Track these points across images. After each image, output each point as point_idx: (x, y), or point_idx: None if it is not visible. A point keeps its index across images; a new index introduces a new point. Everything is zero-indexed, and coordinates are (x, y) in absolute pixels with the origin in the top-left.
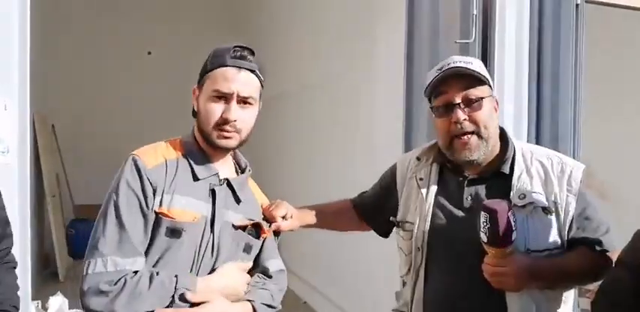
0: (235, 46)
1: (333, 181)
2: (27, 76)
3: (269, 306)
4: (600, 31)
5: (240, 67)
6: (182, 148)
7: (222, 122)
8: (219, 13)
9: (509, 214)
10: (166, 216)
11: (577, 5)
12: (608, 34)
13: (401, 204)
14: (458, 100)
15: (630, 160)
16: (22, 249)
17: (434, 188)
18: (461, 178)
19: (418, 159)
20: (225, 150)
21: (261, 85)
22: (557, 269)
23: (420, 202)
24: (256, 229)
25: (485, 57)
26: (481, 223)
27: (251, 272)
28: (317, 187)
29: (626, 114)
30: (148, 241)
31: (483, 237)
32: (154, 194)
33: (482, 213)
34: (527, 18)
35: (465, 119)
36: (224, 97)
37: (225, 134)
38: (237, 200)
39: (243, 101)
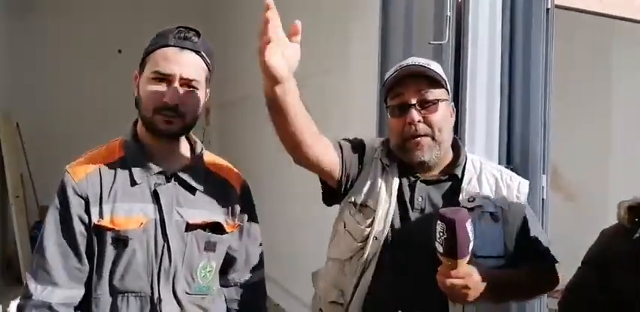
0: (179, 27)
1: (305, 183)
2: None
3: None
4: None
5: (182, 47)
6: (121, 150)
7: (163, 106)
8: (191, 11)
9: (468, 224)
10: (106, 227)
11: (547, 10)
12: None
13: (365, 185)
14: (413, 101)
15: (595, 161)
16: None
17: (397, 182)
18: (413, 178)
19: (383, 144)
20: (169, 137)
21: (209, 69)
22: (512, 283)
23: (389, 189)
24: (216, 226)
25: (459, 58)
26: (437, 233)
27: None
28: (288, 189)
29: (592, 116)
30: (96, 255)
31: (439, 247)
32: (88, 206)
33: (439, 222)
34: (499, 20)
35: (419, 121)
36: (165, 80)
37: (167, 119)
38: (192, 191)
39: (187, 84)
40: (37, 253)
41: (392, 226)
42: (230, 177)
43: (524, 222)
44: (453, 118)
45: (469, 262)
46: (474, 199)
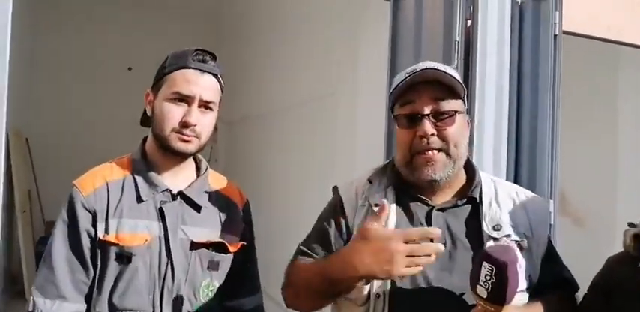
0: (197, 50)
1: (313, 199)
2: (4, 89)
3: None
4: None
5: (202, 70)
6: (129, 167)
7: (183, 126)
8: (201, 29)
9: (519, 266)
10: (111, 243)
11: (555, 36)
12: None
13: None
14: (427, 111)
15: (602, 186)
16: None
17: (393, 219)
18: (426, 207)
19: (370, 182)
20: (182, 156)
21: (221, 91)
22: None
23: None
24: (220, 245)
25: (467, 82)
26: (483, 276)
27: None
28: (296, 204)
29: (598, 140)
30: (99, 270)
31: (482, 292)
32: (95, 221)
33: (486, 264)
34: (507, 46)
35: (432, 134)
36: (184, 100)
37: (185, 138)
38: (197, 209)
39: (205, 105)
40: (45, 267)
41: None
42: (232, 195)
43: (548, 247)
44: (468, 133)
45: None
46: (501, 227)
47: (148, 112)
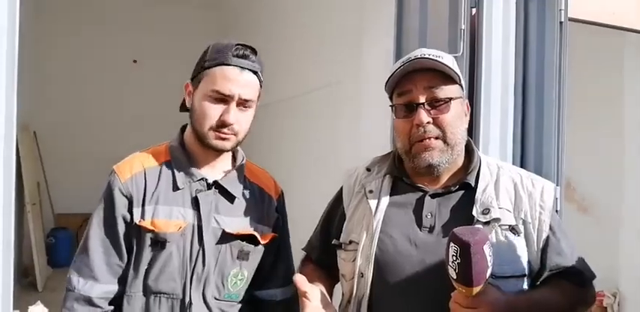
0: (237, 44)
1: (318, 186)
2: (14, 83)
3: None
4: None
5: (242, 68)
6: (167, 154)
7: (221, 125)
8: (206, 21)
9: (486, 247)
10: (146, 229)
11: (561, 23)
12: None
13: (345, 223)
14: (422, 99)
15: (608, 174)
16: (4, 258)
17: (385, 201)
18: (421, 193)
19: (368, 170)
20: (219, 151)
21: (261, 86)
22: (539, 308)
23: (368, 218)
24: (251, 237)
25: (473, 70)
26: (450, 256)
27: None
28: (301, 198)
29: (604, 127)
30: (134, 253)
31: (452, 273)
32: (132, 206)
33: (452, 244)
34: (513, 34)
35: (428, 122)
36: (223, 99)
37: (223, 136)
38: (232, 199)
39: (243, 104)
40: (82, 248)
41: (385, 252)
42: (267, 186)
43: (550, 233)
44: (468, 117)
45: (487, 287)
46: (489, 210)
47: (187, 104)
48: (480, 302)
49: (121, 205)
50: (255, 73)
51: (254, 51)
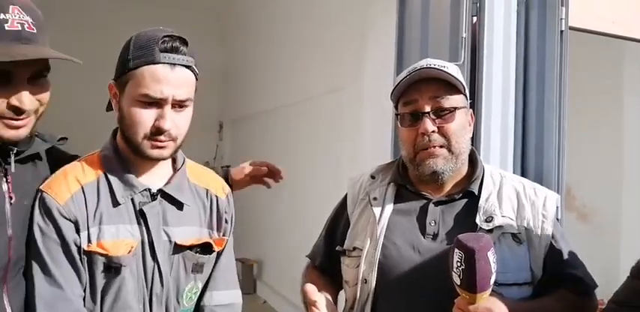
0: (164, 36)
1: (320, 193)
2: None
3: None
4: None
5: (173, 64)
6: (101, 165)
7: (156, 132)
8: (205, 26)
9: (490, 253)
10: (97, 253)
11: (561, 32)
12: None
13: (349, 230)
14: (427, 108)
15: (608, 182)
16: None
17: (389, 208)
18: (425, 200)
19: (373, 177)
20: (157, 160)
21: (196, 78)
22: None
23: (372, 225)
24: (205, 245)
25: (474, 78)
26: (454, 263)
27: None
28: (302, 206)
29: (604, 135)
30: (88, 282)
31: (456, 279)
32: (78, 230)
33: (457, 251)
34: (513, 42)
35: (433, 131)
36: (155, 103)
37: (160, 144)
38: (180, 206)
39: (179, 105)
40: (43, 281)
41: (389, 258)
42: (213, 186)
43: (553, 242)
44: (472, 127)
45: (490, 294)
46: (492, 218)
47: (114, 108)
48: (483, 309)
49: (66, 229)
50: (188, 67)
51: (184, 41)
